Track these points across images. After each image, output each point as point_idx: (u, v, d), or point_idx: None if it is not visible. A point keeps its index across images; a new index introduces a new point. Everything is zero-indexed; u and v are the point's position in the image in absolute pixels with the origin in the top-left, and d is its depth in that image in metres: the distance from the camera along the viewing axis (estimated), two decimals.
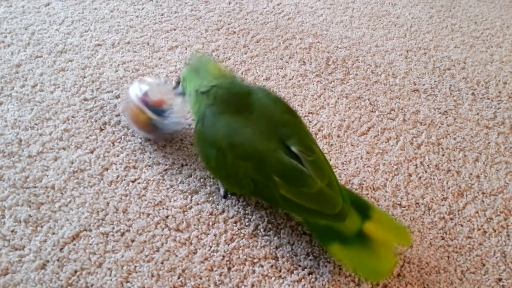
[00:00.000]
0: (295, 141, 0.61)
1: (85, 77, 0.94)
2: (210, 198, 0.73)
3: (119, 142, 0.81)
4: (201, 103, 0.66)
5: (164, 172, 0.76)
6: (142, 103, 0.74)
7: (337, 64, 1.06)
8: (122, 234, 0.67)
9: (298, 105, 0.93)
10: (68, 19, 1.11)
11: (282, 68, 1.03)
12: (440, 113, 0.95)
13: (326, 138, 0.86)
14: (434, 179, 0.80)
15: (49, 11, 1.13)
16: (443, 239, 0.71)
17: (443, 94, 1.00)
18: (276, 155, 0.60)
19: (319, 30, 1.18)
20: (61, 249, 0.64)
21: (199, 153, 0.70)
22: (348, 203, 0.61)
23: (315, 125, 0.89)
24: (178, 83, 0.77)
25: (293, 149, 0.61)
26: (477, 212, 0.76)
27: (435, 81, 1.03)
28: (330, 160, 0.82)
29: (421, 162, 0.83)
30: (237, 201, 0.73)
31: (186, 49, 1.07)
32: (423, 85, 1.02)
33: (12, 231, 0.66)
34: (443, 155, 0.85)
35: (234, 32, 1.16)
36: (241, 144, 0.61)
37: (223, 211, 0.71)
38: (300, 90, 0.97)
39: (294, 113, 0.67)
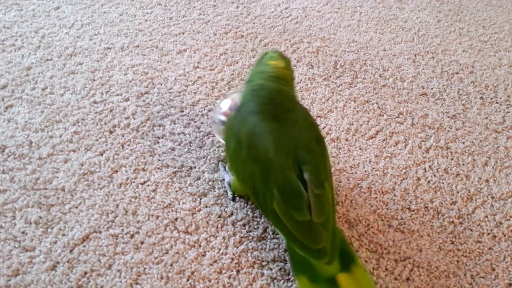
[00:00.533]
0: (311, 170, 0.60)
1: (94, 80, 0.95)
2: (219, 201, 0.73)
3: (129, 145, 0.81)
4: (246, 94, 0.67)
5: (173, 175, 0.77)
6: (225, 117, 0.75)
7: (345, 68, 1.06)
8: (132, 236, 0.67)
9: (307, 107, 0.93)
10: (78, 23, 1.12)
11: None
12: (448, 117, 0.94)
13: (334, 142, 0.86)
14: (443, 183, 0.80)
15: (59, 14, 1.14)
16: (452, 243, 0.71)
17: (452, 98, 1.00)
18: (286, 172, 0.60)
19: (327, 34, 1.18)
20: (71, 251, 0.65)
21: (224, 136, 0.70)
22: (335, 247, 0.60)
23: (323, 128, 0.89)
24: None
25: (305, 175, 0.60)
26: (487, 217, 0.75)
27: (443, 85, 1.03)
28: (338, 163, 0.82)
29: (430, 166, 0.83)
30: (245, 204, 0.73)
31: (195, 52, 1.08)
32: (431, 89, 1.02)
33: (23, 232, 0.66)
34: (452, 159, 0.85)
35: (242, 36, 1.16)
36: (257, 147, 0.61)
37: (232, 214, 0.71)
38: (308, 93, 0.97)
39: (323, 145, 0.65)
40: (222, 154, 0.81)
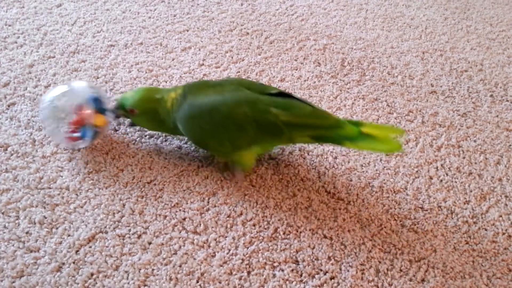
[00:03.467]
0: (272, 89, 0.71)
1: (98, 78, 0.93)
2: (228, 200, 0.71)
3: (134, 144, 0.79)
4: (173, 102, 0.71)
5: (180, 174, 0.75)
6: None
7: (353, 66, 1.04)
8: (139, 237, 0.65)
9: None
10: (80, 20, 1.10)
11: (297, 69, 1.02)
12: (459, 115, 0.93)
13: None
14: (455, 182, 0.78)
15: (61, 12, 1.13)
16: (467, 243, 0.69)
17: (461, 96, 0.98)
18: (264, 96, 0.68)
19: (333, 32, 1.17)
20: (76, 251, 0.63)
21: (196, 138, 0.72)
22: (339, 118, 0.70)
23: None
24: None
25: (274, 92, 0.70)
26: (501, 216, 0.74)
27: (452, 83, 1.02)
28: (349, 162, 0.80)
29: (441, 165, 0.81)
30: (255, 203, 0.71)
31: (200, 50, 1.06)
32: (441, 86, 1.00)
33: (27, 232, 0.64)
34: (464, 157, 0.83)
35: (247, 33, 1.15)
36: (230, 97, 0.68)
37: (241, 214, 0.70)
38: (316, 91, 0.96)
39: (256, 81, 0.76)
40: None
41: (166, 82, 0.95)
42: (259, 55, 1.07)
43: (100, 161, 0.75)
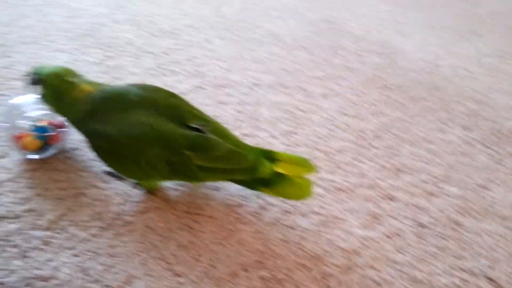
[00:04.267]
0: (190, 118, 0.66)
1: (242, 112, 0.95)
2: (374, 264, 0.67)
3: None
4: (79, 116, 0.67)
5: (321, 223, 0.72)
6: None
7: (509, 137, 0.96)
8: (279, 282, 0.63)
9: (465, 175, 0.84)
10: (228, 56, 1.16)
11: (443, 132, 0.96)
12: None
13: (505, 220, 0.76)
14: None
15: (212, 47, 1.19)
16: None
17: None
18: (179, 132, 0.63)
19: (482, 97, 1.09)
20: (217, 285, 0.62)
21: (110, 164, 0.68)
22: (256, 155, 0.68)
23: (483, 198, 0.79)
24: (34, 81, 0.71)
25: (192, 125, 0.65)
26: None
27: None
28: None
29: None
30: (403, 273, 0.65)
31: (339, 98, 1.05)
32: None
33: (173, 254, 0.65)
34: None
35: (388, 88, 1.12)
36: (144, 133, 0.63)
37: (384, 281, 0.64)
38: (466, 159, 0.89)
39: (178, 96, 0.70)
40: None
41: (306, 125, 0.94)
42: (401, 111, 1.03)
43: (245, 196, 0.75)
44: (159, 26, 1.25)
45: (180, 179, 0.69)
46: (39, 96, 0.71)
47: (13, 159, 0.75)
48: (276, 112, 0.97)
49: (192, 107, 0.69)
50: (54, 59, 1.02)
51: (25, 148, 0.73)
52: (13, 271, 0.59)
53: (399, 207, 0.78)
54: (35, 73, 0.70)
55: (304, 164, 0.70)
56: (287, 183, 0.68)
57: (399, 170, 0.86)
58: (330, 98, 1.05)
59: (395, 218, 0.75)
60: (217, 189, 0.76)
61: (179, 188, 0.75)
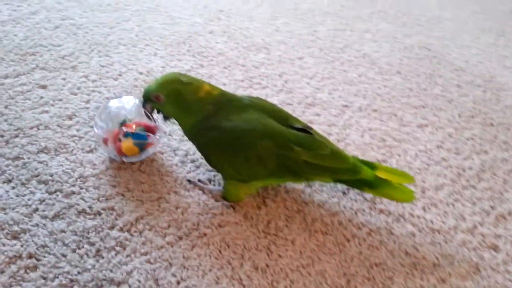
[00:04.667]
0: (294, 121, 0.69)
1: (331, 135, 0.90)
2: None
3: (362, 214, 0.72)
4: (196, 117, 0.66)
5: (411, 265, 0.65)
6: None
7: None
8: None
9: None
10: (318, 75, 1.12)
11: None
12: None
13: None
14: None
15: (302, 64, 1.16)
16: None
17: None
18: (287, 130, 0.66)
19: None
20: None
21: (213, 161, 0.68)
22: (356, 160, 0.70)
23: None
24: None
25: (297, 126, 0.68)
26: None
27: None
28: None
29: None
30: None
31: (437, 130, 0.97)
32: None
33: (248, 276, 0.61)
34: None
35: (492, 124, 1.01)
36: (256, 128, 0.65)
37: None
38: None
39: (280, 108, 0.73)
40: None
41: (399, 155, 0.87)
42: (506, 151, 0.93)
43: (328, 223, 0.70)
44: (251, 39, 1.24)
45: (285, 176, 0.68)
46: (138, 100, 0.71)
47: (99, 155, 0.76)
48: (366, 137, 0.91)
49: (292, 116, 0.71)
50: (149, 63, 1.04)
51: (123, 153, 0.72)
52: (86, 270, 0.58)
53: (504, 260, 0.68)
54: (147, 93, 0.66)
55: (402, 174, 0.71)
56: (390, 187, 0.68)
57: (503, 217, 0.76)
58: (426, 129, 0.97)
59: (498, 273, 0.66)
60: (298, 211, 0.71)
61: (261, 206, 0.71)
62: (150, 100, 0.67)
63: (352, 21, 1.51)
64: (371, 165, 0.70)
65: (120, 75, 0.98)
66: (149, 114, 0.69)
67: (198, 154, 0.78)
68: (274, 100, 0.99)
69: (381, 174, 0.69)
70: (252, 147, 0.64)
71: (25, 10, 1.19)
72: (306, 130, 0.68)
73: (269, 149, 0.64)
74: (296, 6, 1.54)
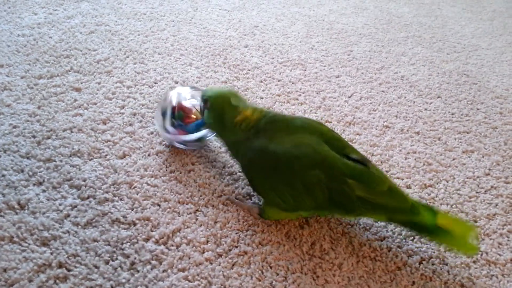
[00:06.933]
0: (351, 151, 0.63)
1: (373, 155, 0.86)
2: None
3: (412, 240, 0.67)
4: (244, 121, 0.64)
5: None
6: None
7: None
8: None
9: None
10: (357, 94, 1.08)
11: None
12: None
13: None
14: None
15: (340, 82, 1.12)
16: None
17: None
18: (342, 160, 0.60)
19: None
20: None
21: (257, 184, 0.64)
22: (415, 201, 0.62)
23: None
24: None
25: (353, 156, 0.61)
26: None
27: None
28: None
29: None
30: None
31: (483, 157, 0.91)
32: None
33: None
34: None
35: None
36: (306, 154, 0.59)
37: None
38: None
39: (339, 135, 0.67)
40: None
41: (447, 181, 0.82)
42: None
43: (376, 248, 0.64)
44: (287, 55, 1.21)
45: (335, 210, 0.62)
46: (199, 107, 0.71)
47: (133, 160, 0.72)
48: (411, 160, 0.86)
49: (350, 144, 0.66)
50: (185, 72, 1.02)
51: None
52: (120, 283, 0.53)
53: None
54: (203, 93, 0.69)
55: (464, 223, 0.63)
56: (451, 236, 0.61)
57: None
58: (473, 155, 0.91)
59: None
60: (343, 233, 0.66)
61: (304, 225, 0.66)
62: (203, 99, 0.68)
63: (387, 43, 1.47)
64: (431, 210, 0.63)
65: (155, 83, 0.95)
66: (201, 109, 0.70)
67: (236, 167, 0.74)
68: (313, 116, 0.95)
69: (442, 221, 0.61)
70: (300, 176, 0.59)
71: (61, 14, 1.18)
72: (363, 162, 0.61)
73: (318, 179, 0.58)
74: (330, 26, 1.52)
